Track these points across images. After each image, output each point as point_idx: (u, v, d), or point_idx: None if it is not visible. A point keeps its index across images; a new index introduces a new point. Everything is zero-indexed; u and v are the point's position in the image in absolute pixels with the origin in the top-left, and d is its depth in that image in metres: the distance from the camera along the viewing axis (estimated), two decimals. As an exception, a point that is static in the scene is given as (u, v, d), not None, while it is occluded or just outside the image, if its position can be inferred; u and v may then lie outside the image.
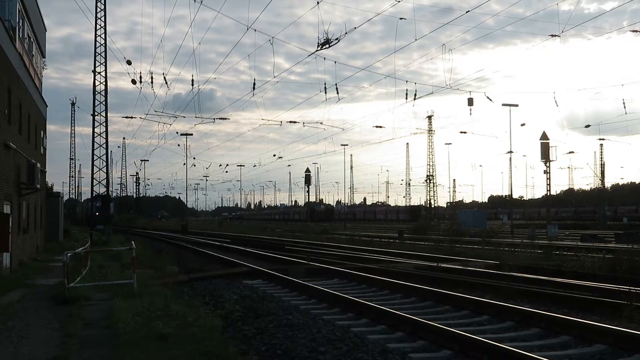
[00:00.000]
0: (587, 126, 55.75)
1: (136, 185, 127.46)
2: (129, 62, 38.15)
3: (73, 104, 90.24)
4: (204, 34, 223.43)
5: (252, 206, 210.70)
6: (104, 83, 42.94)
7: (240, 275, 17.51)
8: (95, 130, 43.38)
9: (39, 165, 24.04)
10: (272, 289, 15.00)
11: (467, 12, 24.22)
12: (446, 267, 18.10)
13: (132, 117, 50.97)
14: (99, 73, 42.88)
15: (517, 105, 51.26)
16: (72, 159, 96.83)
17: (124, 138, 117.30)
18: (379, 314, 10.23)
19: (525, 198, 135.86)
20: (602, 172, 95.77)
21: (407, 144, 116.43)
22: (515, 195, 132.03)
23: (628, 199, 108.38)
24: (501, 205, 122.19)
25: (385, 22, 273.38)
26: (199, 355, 7.42)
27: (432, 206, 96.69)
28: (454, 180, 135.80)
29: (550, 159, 48.78)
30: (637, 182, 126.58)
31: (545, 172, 50.79)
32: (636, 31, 30.83)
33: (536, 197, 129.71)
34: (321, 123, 46.25)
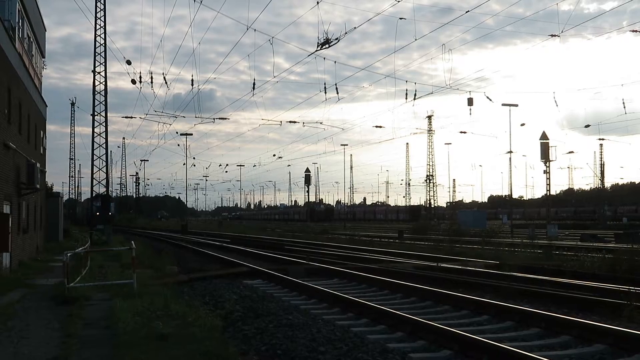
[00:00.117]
0: (587, 126, 55.83)
1: (136, 185, 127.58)
2: (128, 62, 38.20)
3: (73, 104, 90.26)
4: (204, 34, 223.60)
5: (252, 206, 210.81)
6: (103, 83, 42.95)
7: (240, 275, 17.51)
8: (95, 130, 43.40)
9: (38, 165, 24.04)
10: (272, 289, 15.00)
11: (467, 12, 24.25)
12: (446, 267, 18.10)
13: (131, 117, 51.09)
14: (99, 73, 42.90)
15: (517, 105, 51.30)
16: (72, 159, 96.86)
17: (123, 138, 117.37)
18: (378, 314, 10.23)
19: (525, 198, 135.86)
20: (602, 172, 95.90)
21: (407, 144, 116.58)
22: (515, 195, 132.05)
23: (628, 198, 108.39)
24: (501, 205, 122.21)
25: (385, 22, 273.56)
26: (199, 355, 7.42)
27: (432, 206, 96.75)
28: (454, 180, 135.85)
29: (550, 159, 48.82)
30: (636, 182, 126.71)
31: (545, 172, 50.86)
32: (636, 31, 30.86)
33: (536, 197, 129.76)
34: (321, 123, 46.31)
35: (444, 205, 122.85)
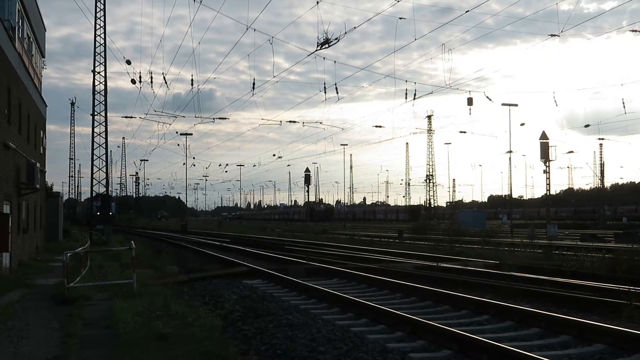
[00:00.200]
0: (587, 126, 55.75)
1: (136, 185, 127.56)
2: (128, 62, 38.25)
3: (73, 104, 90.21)
4: (204, 34, 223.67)
5: (252, 206, 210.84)
6: (103, 83, 42.96)
7: (240, 275, 17.51)
8: (95, 130, 43.41)
9: (38, 165, 24.04)
10: (272, 288, 15.00)
11: (466, 11, 24.24)
12: (446, 266, 18.11)
13: (131, 117, 51.11)
14: (99, 73, 42.90)
15: (516, 105, 51.40)
16: (72, 158, 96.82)
17: (123, 138, 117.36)
18: (378, 314, 10.23)
19: (525, 198, 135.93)
20: (602, 172, 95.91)
21: (407, 143, 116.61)
22: (514, 195, 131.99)
23: (627, 198, 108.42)
24: (501, 205, 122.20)
25: (385, 22, 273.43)
26: (198, 355, 7.42)
27: (432, 206, 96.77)
28: (454, 180, 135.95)
29: (550, 159, 48.83)
30: (636, 182, 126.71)
31: (544, 171, 50.88)
32: (635, 31, 30.87)
33: (536, 196, 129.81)
34: (321, 123, 46.30)
35: (444, 205, 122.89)
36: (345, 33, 21.50)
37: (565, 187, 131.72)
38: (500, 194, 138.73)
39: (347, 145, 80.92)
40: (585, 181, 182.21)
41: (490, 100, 37.17)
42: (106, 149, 43.91)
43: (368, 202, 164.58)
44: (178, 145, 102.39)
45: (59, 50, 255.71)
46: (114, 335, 8.79)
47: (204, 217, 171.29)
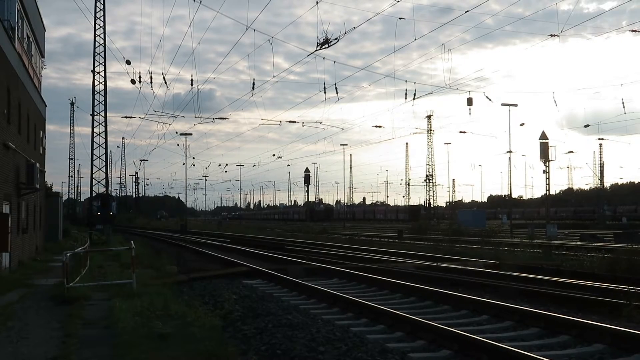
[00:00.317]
0: (587, 126, 55.46)
1: (135, 185, 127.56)
2: (128, 62, 38.26)
3: (72, 104, 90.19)
4: (203, 34, 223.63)
5: (252, 206, 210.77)
6: (103, 83, 42.99)
7: (239, 275, 17.52)
8: (95, 130, 43.44)
9: (38, 165, 24.04)
10: (272, 288, 15.01)
11: (466, 11, 24.25)
12: (445, 266, 18.12)
13: (131, 117, 51.05)
14: (98, 73, 42.94)
15: (516, 105, 51.34)
16: (72, 158, 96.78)
17: (123, 138, 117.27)
18: (378, 314, 10.23)
19: (524, 198, 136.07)
20: (602, 172, 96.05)
21: (407, 143, 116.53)
22: (514, 195, 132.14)
23: (627, 198, 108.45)
24: (500, 204, 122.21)
25: (385, 22, 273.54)
26: (198, 355, 7.42)
27: (432, 206, 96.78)
28: (454, 180, 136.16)
29: (550, 159, 48.87)
30: (636, 182, 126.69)
31: (544, 171, 50.92)
32: (635, 31, 30.89)
33: (535, 196, 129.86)
34: (320, 123, 46.25)
35: (444, 205, 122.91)
36: (345, 33, 21.51)
37: (564, 187, 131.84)
38: (500, 194, 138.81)
39: (346, 145, 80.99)
40: (584, 181, 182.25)
41: (490, 100, 37.16)
42: (106, 149, 43.96)
43: (368, 202, 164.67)
44: (178, 145, 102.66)
45: (59, 50, 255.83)
46: (114, 335, 8.79)
47: (204, 217, 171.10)
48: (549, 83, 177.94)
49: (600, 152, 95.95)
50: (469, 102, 39.30)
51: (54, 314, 11.14)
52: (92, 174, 43.58)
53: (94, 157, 43.59)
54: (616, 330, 8.20)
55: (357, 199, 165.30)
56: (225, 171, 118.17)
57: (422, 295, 12.61)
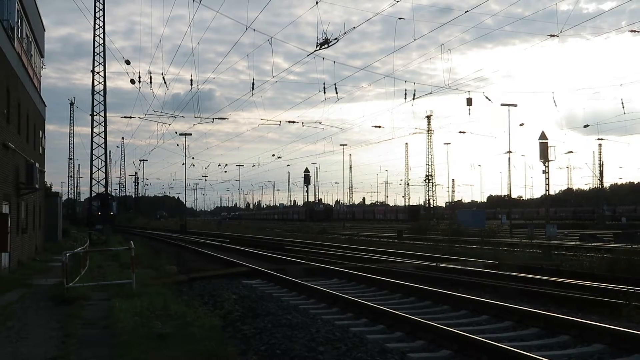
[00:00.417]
0: (586, 126, 55.33)
1: (135, 185, 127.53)
2: (127, 62, 38.35)
3: (72, 104, 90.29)
4: (203, 34, 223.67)
5: (251, 206, 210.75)
6: (102, 83, 43.02)
7: (239, 275, 17.52)
8: (94, 130, 43.45)
9: (37, 165, 24.04)
10: (271, 288, 15.00)
11: (466, 12, 24.26)
12: (445, 267, 18.12)
13: (131, 117, 51.06)
14: (98, 73, 42.96)
15: (515, 105, 51.36)
16: (71, 158, 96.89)
17: (122, 138, 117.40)
18: (378, 314, 10.23)
19: (524, 198, 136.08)
20: (601, 172, 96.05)
21: (406, 143, 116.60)
22: (514, 195, 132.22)
23: (627, 198, 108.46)
24: (500, 205, 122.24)
25: (384, 22, 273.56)
26: (198, 355, 7.42)
27: (431, 206, 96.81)
28: (453, 180, 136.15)
29: (549, 159, 48.89)
30: (635, 182, 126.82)
31: (544, 172, 50.95)
32: (635, 31, 30.90)
33: (535, 197, 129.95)
34: (320, 123, 46.29)
35: (443, 205, 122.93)
36: (345, 33, 21.52)
37: (564, 187, 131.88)
38: (499, 194, 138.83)
39: (346, 145, 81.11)
40: (584, 181, 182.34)
41: (489, 100, 37.23)
42: (105, 149, 43.98)
43: (367, 202, 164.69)
44: (177, 145, 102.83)
45: (58, 50, 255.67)
46: (114, 335, 8.79)
47: (203, 217, 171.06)
48: (549, 83, 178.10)
49: (600, 152, 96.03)
50: (469, 102, 39.31)
51: (54, 314, 11.13)
52: (91, 174, 43.59)
53: (94, 157, 43.63)
54: (616, 331, 8.20)
55: (357, 199, 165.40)
56: (225, 171, 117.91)
57: (422, 295, 12.61)
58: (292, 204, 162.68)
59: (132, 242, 18.67)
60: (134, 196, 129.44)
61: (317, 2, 21.70)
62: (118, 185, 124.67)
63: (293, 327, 9.27)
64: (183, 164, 79.96)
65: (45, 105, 33.24)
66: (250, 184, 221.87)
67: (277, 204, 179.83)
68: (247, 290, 14.07)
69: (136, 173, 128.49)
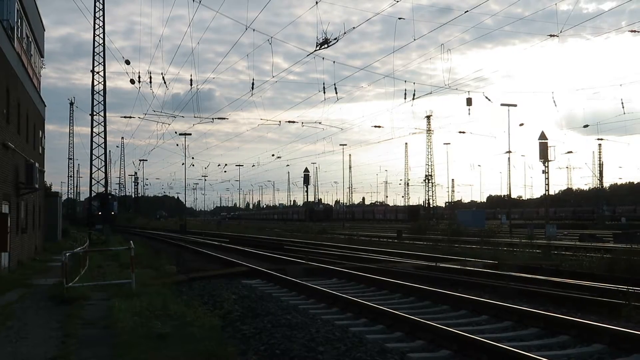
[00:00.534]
0: (586, 126, 55.36)
1: (135, 185, 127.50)
2: (127, 62, 38.47)
3: (71, 104, 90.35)
4: (203, 34, 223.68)
5: (251, 206, 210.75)
6: (102, 83, 43.01)
7: (238, 275, 17.52)
8: (94, 129, 43.45)
9: (37, 165, 24.03)
10: (271, 288, 15.01)
11: (465, 12, 24.28)
12: (445, 266, 18.12)
13: (130, 117, 50.99)
14: (98, 73, 42.96)
15: (515, 105, 51.37)
16: (71, 158, 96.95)
17: (122, 138, 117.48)
18: (377, 314, 10.23)
19: (524, 198, 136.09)
20: (601, 172, 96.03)
21: (406, 143, 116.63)
22: (513, 195, 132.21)
23: (626, 198, 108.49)
24: (500, 205, 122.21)
25: (384, 22, 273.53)
26: (197, 354, 7.42)
27: (431, 206, 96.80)
28: (453, 180, 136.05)
29: (549, 159, 48.92)
30: (635, 182, 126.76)
31: (543, 172, 51.00)
32: (635, 31, 30.88)
33: (535, 197, 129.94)
34: (320, 123, 46.26)
35: (443, 205, 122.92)
36: (345, 33, 21.51)
37: (564, 187, 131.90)
38: (499, 194, 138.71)
39: (346, 145, 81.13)
40: (584, 181, 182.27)
41: (489, 100, 37.23)
42: (105, 148, 43.98)
43: (367, 202, 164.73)
44: (177, 145, 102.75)
45: (58, 50, 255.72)
46: (113, 335, 8.79)
47: (203, 217, 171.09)
48: (549, 83, 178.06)
49: (600, 152, 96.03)
50: (468, 102, 39.29)
51: (53, 313, 11.14)
52: (91, 173, 43.60)
53: (93, 157, 43.63)
54: (615, 331, 8.20)
55: (357, 199, 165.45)
56: (225, 171, 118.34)
57: (421, 295, 12.61)
58: (291, 204, 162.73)
59: (131, 242, 18.67)
60: (133, 196, 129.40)
61: (317, 2, 21.72)
62: (118, 185, 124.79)
63: (292, 327, 9.28)
64: (183, 164, 79.95)
65: (45, 105, 33.23)
66: (250, 184, 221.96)
67: (277, 204, 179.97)
68: (246, 290, 14.07)
69: (136, 173, 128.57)
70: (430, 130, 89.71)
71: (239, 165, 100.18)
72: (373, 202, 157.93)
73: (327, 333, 8.77)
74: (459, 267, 17.81)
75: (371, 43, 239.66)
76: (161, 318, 9.87)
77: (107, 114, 43.45)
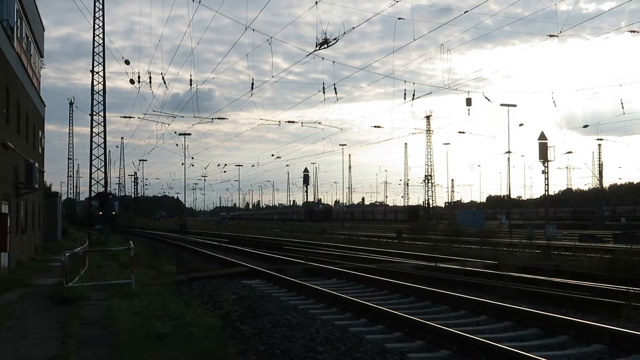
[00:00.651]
0: (585, 126, 55.33)
1: (134, 185, 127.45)
2: (127, 62, 38.40)
3: (71, 104, 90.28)
4: (202, 34, 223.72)
5: (251, 206, 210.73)
6: (102, 83, 43.00)
7: (238, 275, 17.52)
8: (94, 130, 43.44)
9: (37, 165, 24.02)
10: (271, 288, 15.01)
11: (465, 12, 24.28)
12: (444, 267, 18.11)
13: (130, 117, 50.97)
14: (97, 73, 42.95)
15: (515, 106, 51.40)
16: (71, 158, 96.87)
17: (122, 138, 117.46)
18: (377, 314, 10.23)
19: (523, 198, 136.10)
20: (600, 172, 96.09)
21: (406, 144, 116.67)
22: (513, 195, 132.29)
23: (626, 199, 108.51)
24: (499, 205, 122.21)
25: (384, 22, 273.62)
26: (197, 354, 7.42)
27: (431, 206, 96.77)
28: (452, 180, 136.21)
29: (549, 159, 48.92)
30: (635, 182, 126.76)
31: (543, 172, 51.00)
32: (634, 31, 30.85)
33: (534, 197, 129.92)
34: (319, 123, 46.28)
35: (443, 206, 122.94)
36: (344, 33, 21.51)
37: (564, 188, 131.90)
38: (499, 194, 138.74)
39: (345, 145, 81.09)
40: (583, 181, 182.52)
41: (489, 100, 37.22)
42: (105, 148, 43.98)
43: (367, 202, 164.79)
44: (177, 145, 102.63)
45: (58, 50, 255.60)
46: (113, 335, 8.79)
47: (203, 217, 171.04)
48: (548, 83, 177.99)
49: (599, 152, 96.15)
50: (468, 102, 39.30)
51: (53, 313, 11.13)
52: (90, 173, 43.60)
53: (93, 157, 43.62)
54: (615, 331, 8.20)
55: (356, 199, 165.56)
56: (224, 171, 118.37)
57: (421, 295, 12.61)
58: (291, 204, 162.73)
59: (131, 242, 18.66)
60: (133, 196, 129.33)
61: (316, 2, 21.73)
62: (117, 185, 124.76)
63: (292, 327, 9.28)
64: (182, 164, 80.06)
65: (45, 105, 33.22)
66: (250, 184, 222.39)
67: (277, 204, 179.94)
68: (246, 290, 14.07)
69: (135, 173, 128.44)
70: (429, 131, 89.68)
71: (239, 165, 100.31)
72: (373, 202, 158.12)
73: (326, 333, 8.77)
74: (459, 267, 17.81)
75: (371, 43, 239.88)
76: (161, 318, 9.87)
77: (106, 114, 43.51)
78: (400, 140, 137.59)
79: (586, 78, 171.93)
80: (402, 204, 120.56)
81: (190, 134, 66.43)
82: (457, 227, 47.83)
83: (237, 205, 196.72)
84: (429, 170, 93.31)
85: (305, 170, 74.42)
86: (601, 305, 10.83)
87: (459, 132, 63.22)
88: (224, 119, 60.36)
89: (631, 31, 30.39)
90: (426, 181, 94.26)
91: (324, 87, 29.68)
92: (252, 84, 30.22)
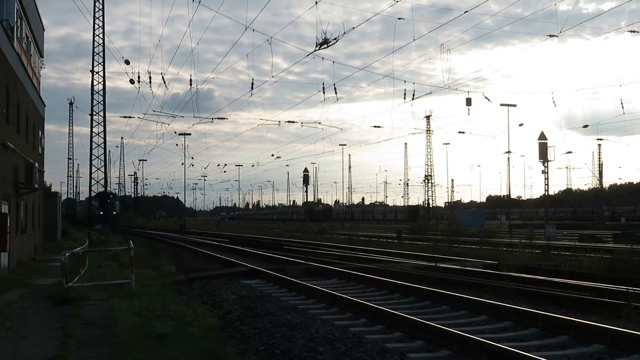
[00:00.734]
0: (585, 126, 55.31)
1: (134, 185, 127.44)
2: (127, 62, 38.41)
3: (71, 104, 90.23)
4: (202, 34, 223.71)
5: (251, 206, 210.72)
6: (102, 83, 43.00)
7: (238, 275, 17.52)
8: (94, 129, 43.44)
9: (37, 164, 24.02)
10: (271, 288, 15.00)
11: (465, 12, 24.28)
12: (444, 267, 18.11)
13: (130, 117, 50.94)
14: (97, 73, 42.95)
15: (515, 106, 51.42)
16: (70, 158, 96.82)
17: (122, 138, 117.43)
18: (377, 314, 10.24)
19: (523, 198, 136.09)
20: (600, 172, 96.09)
21: (406, 144, 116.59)
22: (513, 195, 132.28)
23: (626, 199, 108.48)
24: (499, 205, 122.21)
25: (384, 22, 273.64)
26: (197, 355, 7.42)
27: (431, 206, 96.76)
28: (452, 180, 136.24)
29: (548, 159, 48.93)
30: (635, 182, 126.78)
31: (543, 172, 51.01)
32: (634, 31, 30.85)
33: (534, 197, 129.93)
34: (319, 123, 46.26)
35: (443, 205, 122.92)
36: (344, 33, 21.50)
37: (563, 188, 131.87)
38: (498, 194, 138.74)
39: (345, 145, 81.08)
40: (583, 181, 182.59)
41: (488, 100, 37.22)
42: (105, 148, 43.99)
43: (367, 202, 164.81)
44: (177, 145, 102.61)
45: (58, 50, 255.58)
46: (113, 335, 8.79)
47: (203, 217, 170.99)
48: (548, 83, 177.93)
49: (599, 152, 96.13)
50: (468, 102, 39.32)
51: (53, 313, 11.13)
52: (90, 173, 43.61)
53: (93, 157, 43.63)
54: (615, 331, 8.20)
55: (356, 199, 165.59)
56: (224, 171, 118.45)
57: (421, 295, 12.61)
58: (291, 204, 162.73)
59: (131, 242, 18.66)
60: (133, 196, 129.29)
61: (316, 2, 21.72)
62: (117, 185, 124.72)
63: (292, 327, 9.28)
64: (182, 163, 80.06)
65: (45, 105, 33.22)
66: (250, 184, 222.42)
67: (277, 204, 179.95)
68: (246, 290, 14.07)
69: (135, 173, 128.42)
70: (429, 131, 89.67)
71: (239, 165, 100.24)
72: (373, 202, 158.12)
73: (326, 333, 8.77)
74: (459, 267, 17.81)
75: (371, 43, 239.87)
76: (161, 318, 9.87)
77: (106, 114, 43.53)
78: (400, 140, 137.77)
79: (586, 78, 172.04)
80: (402, 204, 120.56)
81: (190, 134, 66.48)
82: (457, 227, 47.83)
83: (237, 205, 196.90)
84: (429, 170, 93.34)
85: (305, 170, 74.53)
86: (601, 305, 10.84)
87: (459, 132, 63.26)
88: (224, 119, 60.38)
89: (631, 31, 30.39)
90: (426, 181, 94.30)
91: (323, 87, 29.68)
92: (252, 84, 30.25)
